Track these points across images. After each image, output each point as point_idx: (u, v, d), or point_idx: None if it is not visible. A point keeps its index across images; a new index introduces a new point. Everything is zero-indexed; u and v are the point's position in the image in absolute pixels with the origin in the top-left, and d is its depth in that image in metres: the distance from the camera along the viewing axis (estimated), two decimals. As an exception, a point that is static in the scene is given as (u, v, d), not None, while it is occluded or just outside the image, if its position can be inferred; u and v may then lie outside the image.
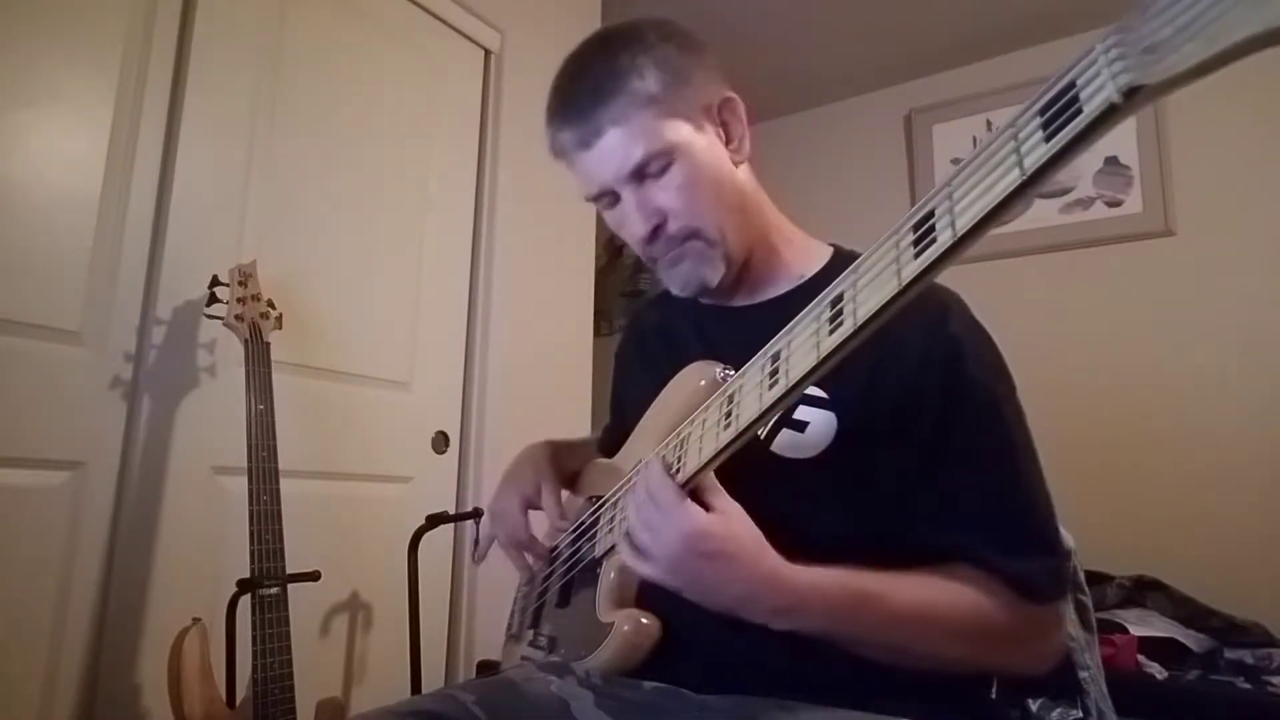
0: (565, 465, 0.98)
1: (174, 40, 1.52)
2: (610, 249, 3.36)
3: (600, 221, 2.43)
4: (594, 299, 2.42)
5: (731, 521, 0.65)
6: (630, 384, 1.01)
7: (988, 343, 0.77)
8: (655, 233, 0.79)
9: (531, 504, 0.93)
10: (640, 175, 0.78)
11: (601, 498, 0.85)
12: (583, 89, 0.79)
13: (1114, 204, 2.47)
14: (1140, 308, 2.39)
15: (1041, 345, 2.37)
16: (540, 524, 0.94)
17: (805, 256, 0.87)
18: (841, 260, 0.87)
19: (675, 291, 0.85)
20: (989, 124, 2.73)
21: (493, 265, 2.08)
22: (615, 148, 0.77)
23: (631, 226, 0.80)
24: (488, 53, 2.16)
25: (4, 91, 1.30)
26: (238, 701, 1.28)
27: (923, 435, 0.71)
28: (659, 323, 0.99)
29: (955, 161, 2.83)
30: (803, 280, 0.85)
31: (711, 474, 0.67)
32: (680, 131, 0.78)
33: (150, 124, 1.47)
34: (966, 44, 2.72)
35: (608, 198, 0.81)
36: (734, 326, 0.86)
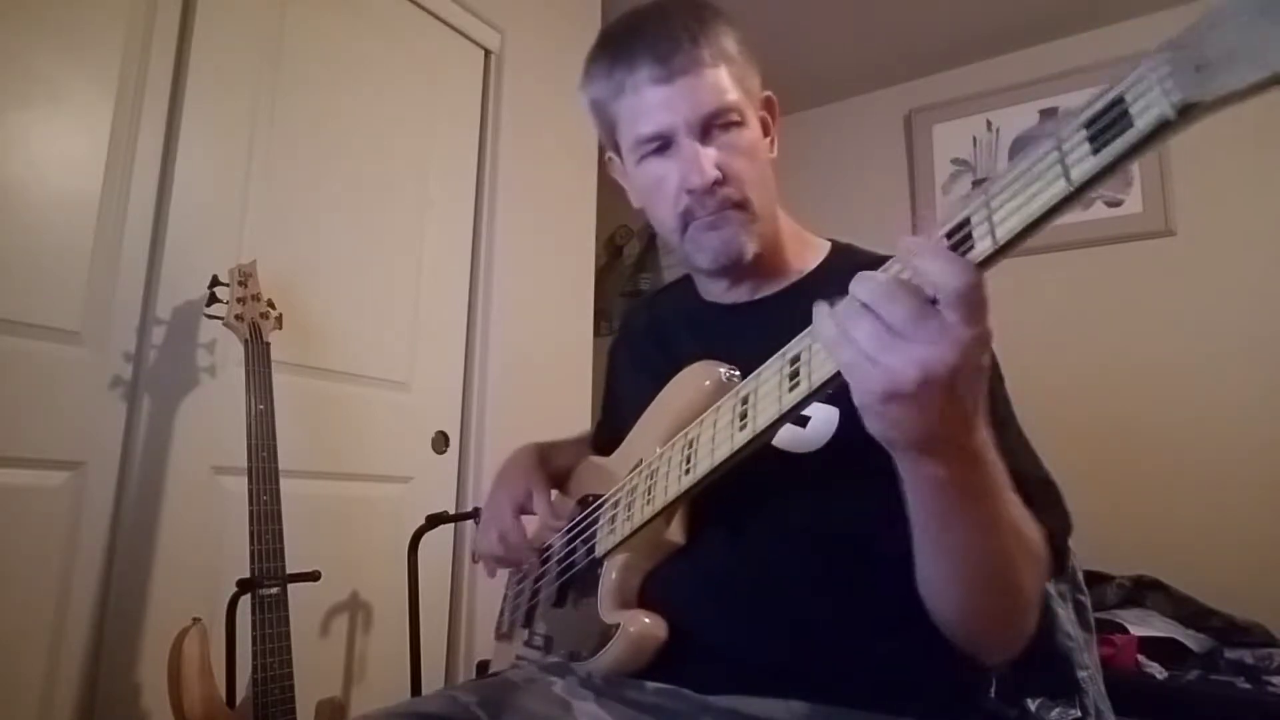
0: (554, 466, 0.98)
1: (174, 40, 1.52)
2: (610, 249, 3.36)
3: (600, 221, 2.44)
4: (594, 299, 2.42)
5: None
6: (624, 385, 1.01)
7: None
8: (713, 187, 0.76)
9: (523, 509, 0.92)
10: (709, 126, 0.76)
11: (598, 496, 0.85)
12: (675, 27, 0.77)
13: (1114, 204, 2.47)
14: (1140, 308, 2.39)
15: (1041, 345, 2.37)
16: (530, 526, 0.94)
17: (804, 253, 0.87)
18: (839, 254, 0.87)
19: (702, 262, 0.82)
20: (989, 124, 2.73)
21: (493, 265, 2.08)
22: (698, 88, 0.76)
23: (687, 174, 0.76)
24: (488, 53, 2.16)
25: (4, 92, 1.30)
26: (238, 701, 1.28)
27: None
28: (651, 323, 0.99)
29: (955, 161, 2.85)
30: (801, 275, 0.85)
31: None
32: (746, 102, 0.79)
33: (150, 124, 1.47)
34: (966, 44, 2.72)
35: (659, 143, 0.78)
36: (730, 324, 0.86)
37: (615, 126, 0.82)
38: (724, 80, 0.77)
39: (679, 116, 0.76)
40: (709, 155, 0.76)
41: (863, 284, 0.50)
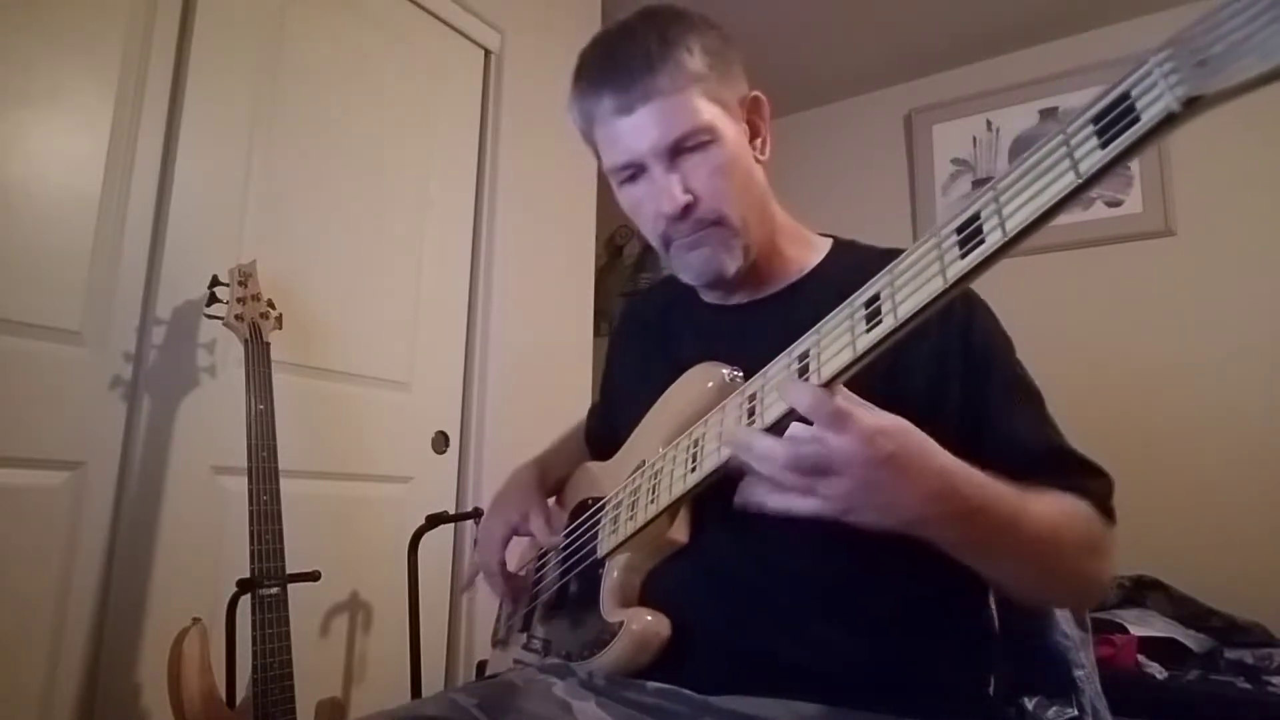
0: (552, 478, 0.99)
1: (174, 40, 1.52)
2: (610, 249, 3.36)
3: (600, 221, 2.44)
4: (594, 299, 2.42)
5: (888, 416, 0.58)
6: (622, 380, 1.01)
7: (986, 306, 0.81)
8: (685, 211, 0.77)
9: (519, 531, 0.93)
10: (677, 150, 0.76)
11: (596, 499, 0.85)
12: (634, 54, 0.76)
13: (1114, 204, 2.47)
14: (1140, 308, 2.39)
15: (1041, 345, 2.35)
16: (520, 548, 0.95)
17: (804, 251, 0.87)
18: (840, 250, 0.87)
19: (687, 279, 0.83)
20: (989, 124, 2.73)
21: (493, 265, 2.08)
22: (660, 116, 0.75)
23: (659, 202, 0.77)
24: (488, 53, 2.16)
25: (4, 91, 1.29)
26: (238, 701, 1.28)
27: (955, 401, 0.73)
28: (654, 318, 0.99)
29: (955, 161, 2.85)
30: (802, 274, 0.85)
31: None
32: (719, 116, 0.78)
33: (150, 124, 1.47)
34: (966, 44, 2.72)
35: (631, 170, 0.79)
36: (732, 324, 0.86)
37: (598, 151, 0.84)
38: (689, 102, 0.76)
39: (644, 145, 0.76)
40: (676, 182, 0.76)
41: (765, 463, 0.58)
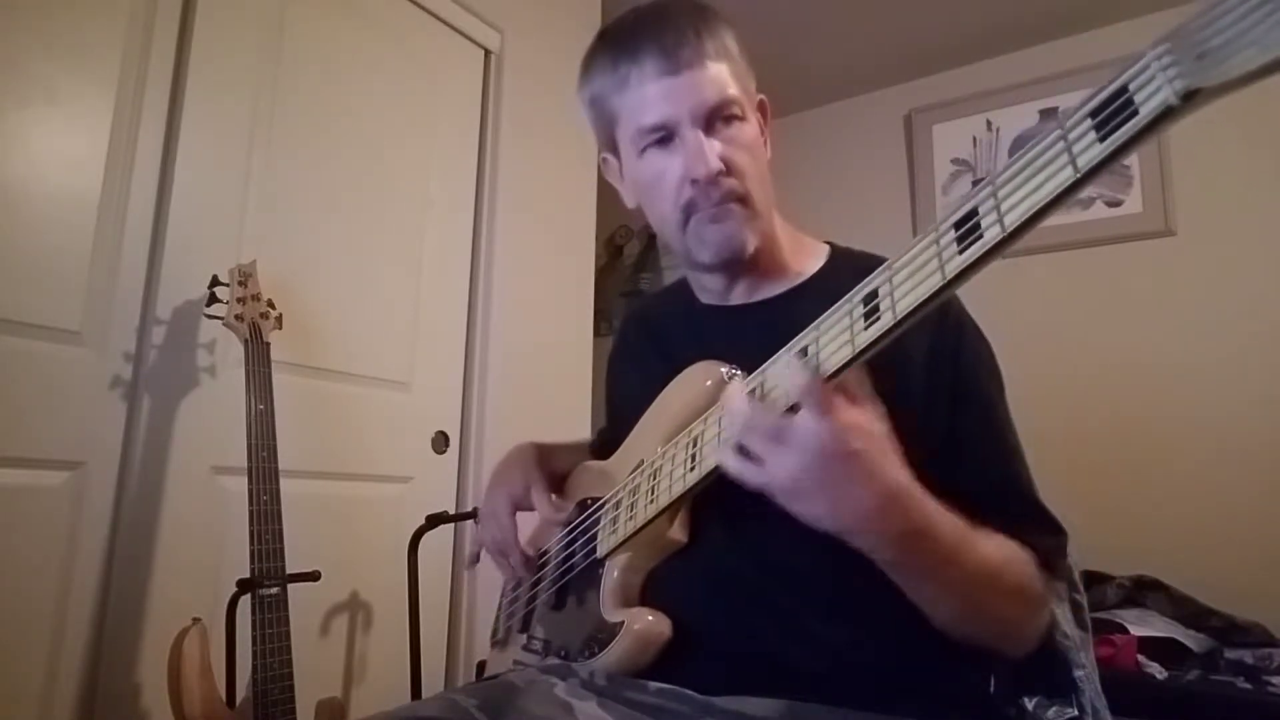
0: (552, 466, 0.98)
1: (174, 40, 1.52)
2: (610, 249, 3.35)
3: (600, 221, 2.44)
4: (594, 299, 2.42)
5: (874, 417, 0.58)
6: (623, 386, 1.00)
7: (978, 330, 0.80)
8: (716, 178, 0.76)
9: (520, 505, 0.92)
10: (713, 118, 0.77)
11: (598, 499, 0.85)
12: (679, 22, 0.77)
13: (1114, 204, 2.47)
14: (1140, 308, 2.39)
15: (1041, 345, 2.37)
16: (527, 525, 0.94)
17: (802, 256, 0.87)
18: (840, 257, 0.87)
19: (704, 256, 0.81)
20: (989, 124, 2.73)
21: (493, 265, 2.08)
22: (704, 81, 0.76)
23: (691, 165, 0.76)
24: (488, 53, 2.16)
25: (4, 91, 1.30)
26: (238, 701, 1.28)
27: (937, 425, 0.73)
28: (650, 324, 0.99)
29: (955, 161, 2.85)
30: (802, 279, 0.85)
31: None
32: (746, 99, 0.80)
33: (150, 124, 1.47)
34: (966, 44, 2.72)
35: (662, 133, 0.78)
36: (730, 325, 0.86)
37: (615, 121, 0.82)
38: (726, 75, 0.78)
39: (684, 108, 0.76)
40: (713, 146, 0.76)
41: (730, 420, 0.61)
